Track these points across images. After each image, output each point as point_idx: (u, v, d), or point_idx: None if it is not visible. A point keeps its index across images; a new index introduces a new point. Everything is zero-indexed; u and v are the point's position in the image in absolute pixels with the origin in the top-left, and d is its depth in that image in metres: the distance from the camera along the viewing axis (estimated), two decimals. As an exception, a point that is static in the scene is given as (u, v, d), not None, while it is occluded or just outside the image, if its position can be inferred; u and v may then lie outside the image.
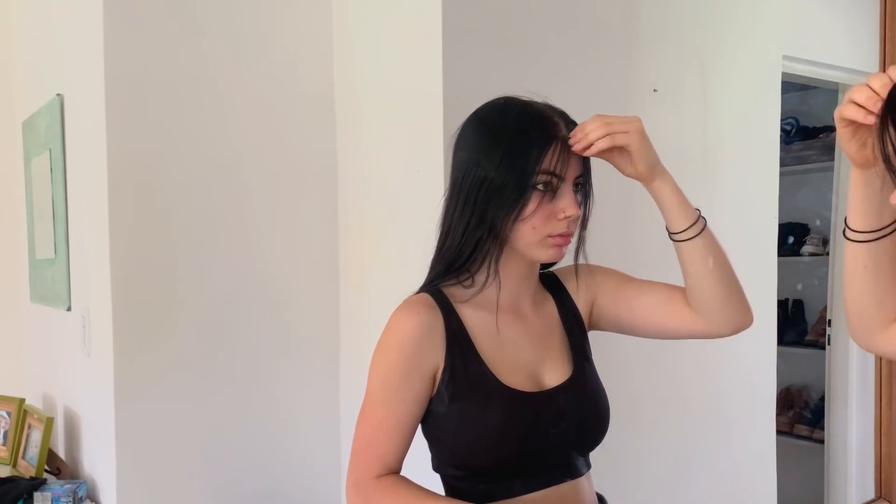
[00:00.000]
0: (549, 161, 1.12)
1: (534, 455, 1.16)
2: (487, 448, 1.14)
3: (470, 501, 1.13)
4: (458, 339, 1.16)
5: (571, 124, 1.18)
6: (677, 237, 1.21)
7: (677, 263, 1.24)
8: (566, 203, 1.14)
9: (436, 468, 1.23)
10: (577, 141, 1.15)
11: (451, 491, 1.21)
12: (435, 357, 1.15)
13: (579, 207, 1.17)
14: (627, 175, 1.21)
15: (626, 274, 1.33)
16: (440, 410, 1.15)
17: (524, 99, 1.20)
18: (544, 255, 1.17)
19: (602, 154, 1.17)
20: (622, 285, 1.30)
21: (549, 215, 1.14)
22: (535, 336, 1.23)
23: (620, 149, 1.17)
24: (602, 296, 1.30)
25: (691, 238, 1.19)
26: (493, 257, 1.17)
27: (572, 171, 1.16)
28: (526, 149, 1.12)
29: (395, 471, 1.16)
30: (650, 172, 1.19)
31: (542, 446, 1.16)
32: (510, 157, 1.12)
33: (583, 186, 1.19)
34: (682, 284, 1.24)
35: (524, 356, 1.20)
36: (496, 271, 1.17)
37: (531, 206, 1.12)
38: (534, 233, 1.14)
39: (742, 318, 1.25)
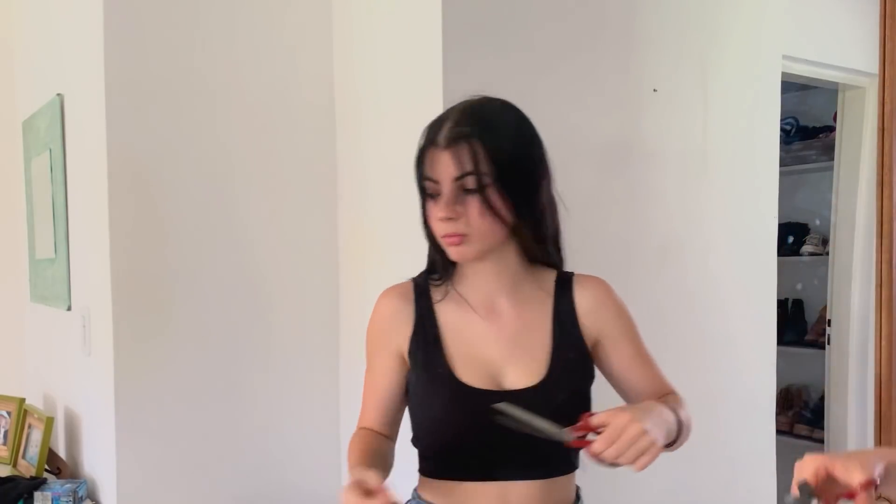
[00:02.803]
0: (426, 165, 1.19)
1: (474, 449, 1.20)
2: (428, 431, 1.24)
3: (424, 473, 1.26)
4: (424, 328, 1.25)
5: (461, 121, 1.18)
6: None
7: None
8: (438, 206, 1.18)
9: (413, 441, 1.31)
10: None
11: (419, 460, 1.29)
12: (400, 339, 1.26)
13: (455, 209, 1.16)
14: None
15: (638, 339, 1.31)
16: (409, 389, 1.26)
17: (471, 100, 1.22)
18: (450, 255, 1.22)
19: None
20: (619, 348, 1.29)
21: (434, 218, 1.19)
22: (507, 335, 1.23)
23: None
24: (608, 346, 1.28)
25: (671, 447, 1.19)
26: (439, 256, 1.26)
27: (447, 173, 1.16)
28: (417, 157, 1.21)
29: (374, 429, 1.27)
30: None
31: (483, 442, 1.18)
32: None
33: (480, 189, 1.15)
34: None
35: (487, 354, 1.22)
36: (445, 269, 1.27)
37: (425, 209, 1.21)
38: (437, 235, 1.22)
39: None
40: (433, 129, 1.20)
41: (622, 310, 1.30)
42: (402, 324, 1.26)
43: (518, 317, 1.25)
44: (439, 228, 1.19)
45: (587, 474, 1.27)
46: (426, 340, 1.24)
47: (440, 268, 1.27)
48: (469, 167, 1.15)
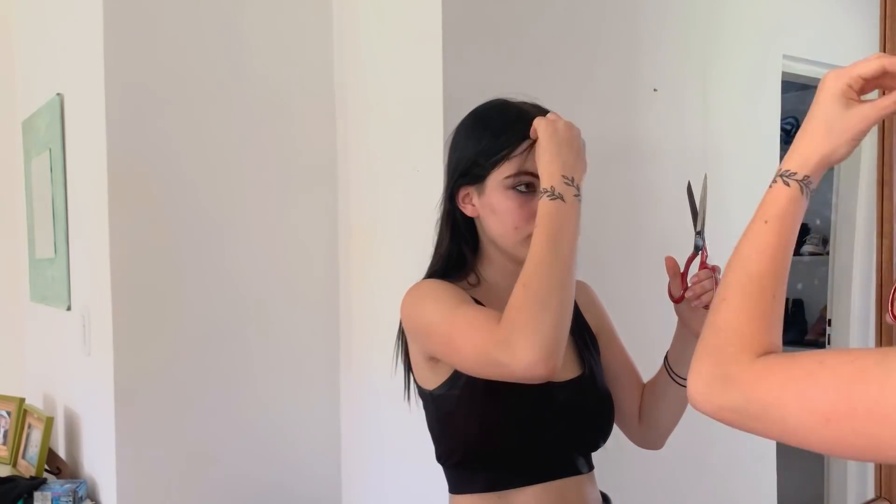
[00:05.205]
0: (528, 160, 1.16)
1: (532, 448, 1.18)
2: (493, 436, 1.17)
3: (471, 492, 1.19)
4: None
5: None
6: (686, 383, 1.24)
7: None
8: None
9: (439, 458, 1.25)
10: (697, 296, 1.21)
11: (453, 481, 1.23)
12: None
13: None
14: (698, 333, 1.21)
15: (614, 330, 1.39)
16: (454, 393, 1.18)
17: (514, 100, 1.22)
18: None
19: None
20: (614, 342, 1.37)
21: (529, 215, 1.15)
22: None
23: None
24: (604, 339, 1.36)
25: None
26: (474, 255, 1.24)
27: None
28: (500, 143, 1.17)
29: None
30: None
31: (540, 440, 1.18)
32: (484, 153, 1.18)
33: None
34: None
35: None
36: (465, 269, 1.24)
37: (511, 204, 1.17)
38: (516, 232, 1.17)
39: (659, 446, 1.38)
40: (525, 124, 1.16)
41: (604, 307, 1.40)
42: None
43: None
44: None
45: (590, 473, 1.28)
46: None
47: (466, 270, 1.24)
48: None
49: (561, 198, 1.09)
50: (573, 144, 1.12)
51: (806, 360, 0.72)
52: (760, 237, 0.81)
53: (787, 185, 0.81)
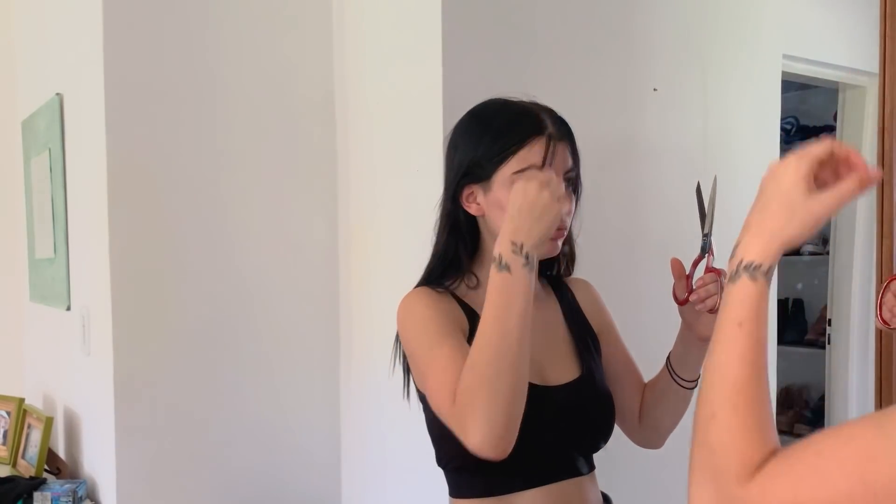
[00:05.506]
0: (539, 155, 1.15)
1: (532, 451, 1.16)
2: None
3: (471, 496, 1.18)
4: (473, 326, 1.16)
5: (558, 121, 1.20)
6: (689, 384, 1.28)
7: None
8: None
9: (439, 462, 1.24)
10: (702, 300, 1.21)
11: (453, 485, 1.23)
12: (466, 330, 1.17)
13: (572, 202, 1.18)
14: (704, 336, 1.22)
15: (616, 330, 1.39)
16: None
17: (513, 98, 1.22)
18: (541, 250, 1.18)
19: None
20: (616, 341, 1.37)
21: None
22: (539, 332, 1.23)
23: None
24: (605, 336, 1.35)
25: (695, 387, 1.27)
26: (471, 256, 1.23)
27: (562, 165, 1.18)
28: (507, 139, 1.16)
29: None
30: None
31: (540, 442, 1.17)
32: (490, 150, 1.17)
33: (573, 181, 1.21)
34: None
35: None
36: (464, 270, 1.23)
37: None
38: None
39: (658, 445, 1.37)
40: (532, 118, 1.16)
41: (605, 305, 1.39)
42: (461, 319, 1.19)
43: (541, 313, 1.24)
44: None
45: (591, 474, 1.28)
46: None
47: (463, 268, 1.23)
48: (573, 163, 1.20)
49: (507, 269, 1.06)
50: (535, 208, 1.07)
51: (804, 456, 0.68)
52: (737, 343, 0.76)
53: (755, 279, 0.76)
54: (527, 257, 1.06)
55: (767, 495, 0.69)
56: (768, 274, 0.77)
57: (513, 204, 1.08)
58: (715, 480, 0.73)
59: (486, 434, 1.01)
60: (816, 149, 0.78)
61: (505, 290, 1.05)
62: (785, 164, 0.79)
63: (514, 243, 1.06)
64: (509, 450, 1.03)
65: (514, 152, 1.15)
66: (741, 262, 0.78)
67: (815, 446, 0.67)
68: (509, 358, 1.03)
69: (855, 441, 0.64)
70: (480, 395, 1.01)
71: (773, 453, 0.72)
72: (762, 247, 0.78)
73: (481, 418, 1.01)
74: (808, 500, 0.66)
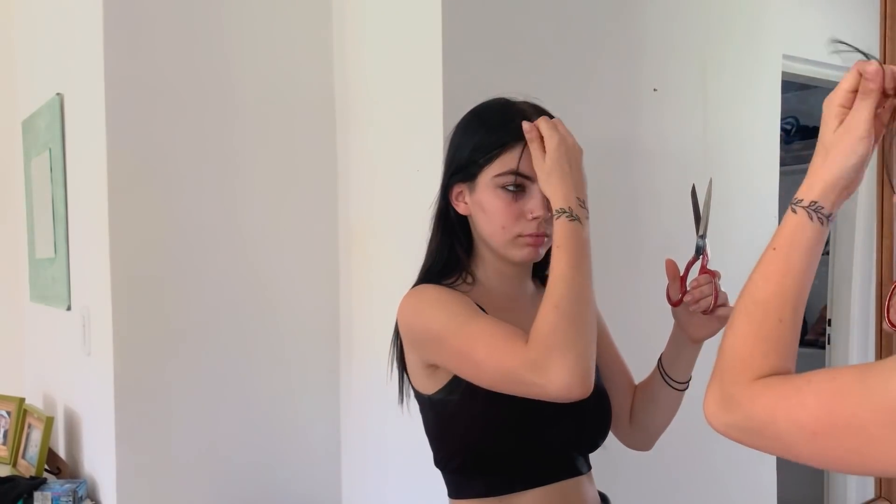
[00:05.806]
0: (521, 160, 1.15)
1: (533, 450, 1.17)
2: (495, 439, 1.16)
3: (470, 497, 1.18)
4: None
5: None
6: (680, 386, 1.30)
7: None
8: (534, 204, 1.16)
9: (438, 463, 1.24)
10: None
11: (453, 486, 1.22)
12: None
13: (547, 209, 1.17)
14: (696, 337, 1.26)
15: (608, 331, 1.40)
16: (454, 398, 1.17)
17: (514, 100, 1.22)
18: (518, 255, 1.19)
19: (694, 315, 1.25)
20: (607, 342, 1.37)
21: (518, 215, 1.16)
22: None
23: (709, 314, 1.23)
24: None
25: (686, 388, 1.30)
26: (467, 254, 1.24)
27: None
28: (493, 141, 1.17)
29: None
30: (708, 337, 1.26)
31: (540, 442, 1.17)
32: (477, 150, 1.18)
33: None
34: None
35: None
36: (462, 271, 1.23)
37: (499, 203, 1.16)
38: (504, 232, 1.17)
39: (648, 447, 1.39)
40: (515, 125, 1.16)
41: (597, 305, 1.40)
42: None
43: (534, 317, 1.24)
44: (526, 227, 1.17)
45: (589, 473, 1.28)
46: None
47: (460, 269, 1.23)
48: None
49: (578, 220, 1.10)
50: (580, 161, 1.14)
51: (796, 379, 0.75)
52: (768, 264, 0.84)
53: (795, 212, 0.84)
54: (587, 211, 1.14)
55: (755, 401, 0.77)
56: (811, 209, 0.83)
57: (561, 155, 1.12)
58: (720, 378, 0.82)
59: (575, 372, 1.02)
60: (845, 81, 0.83)
61: (578, 237, 1.10)
62: (823, 105, 0.85)
63: (579, 198, 1.12)
64: (589, 391, 1.04)
65: (497, 155, 1.16)
66: (792, 199, 0.85)
67: (808, 375, 0.74)
68: (589, 297, 1.08)
69: (837, 380, 0.71)
70: (570, 334, 1.03)
71: (781, 372, 0.79)
72: (806, 186, 0.84)
73: (569, 356, 1.02)
74: (784, 415, 0.74)
